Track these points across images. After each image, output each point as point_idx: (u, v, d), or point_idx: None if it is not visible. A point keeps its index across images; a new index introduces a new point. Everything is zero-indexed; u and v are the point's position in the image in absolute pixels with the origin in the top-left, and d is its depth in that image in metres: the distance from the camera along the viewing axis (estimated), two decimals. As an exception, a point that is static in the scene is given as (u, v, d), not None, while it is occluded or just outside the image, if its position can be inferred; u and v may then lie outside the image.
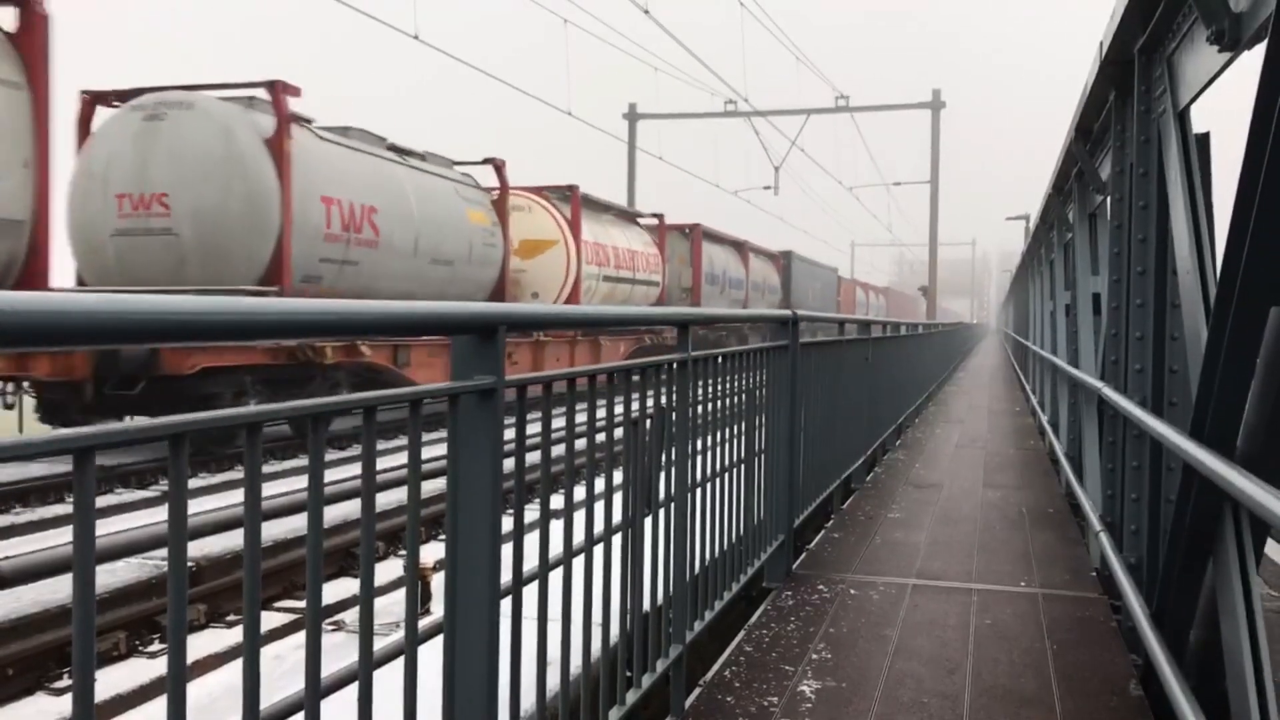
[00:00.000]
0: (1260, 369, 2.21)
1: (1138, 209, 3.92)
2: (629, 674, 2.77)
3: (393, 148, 14.38)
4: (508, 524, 1.99)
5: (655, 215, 23.57)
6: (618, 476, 2.68)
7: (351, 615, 5.23)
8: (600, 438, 2.76)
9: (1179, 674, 2.77)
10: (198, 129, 11.19)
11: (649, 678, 2.85)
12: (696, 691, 3.31)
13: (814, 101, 31.14)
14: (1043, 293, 10.91)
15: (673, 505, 3.11)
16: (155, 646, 5.73)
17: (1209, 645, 2.71)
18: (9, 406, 10.40)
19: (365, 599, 1.62)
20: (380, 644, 1.79)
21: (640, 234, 22.87)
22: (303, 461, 6.92)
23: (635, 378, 2.70)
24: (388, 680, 1.74)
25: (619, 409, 2.63)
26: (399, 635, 2.98)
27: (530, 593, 2.12)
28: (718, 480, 3.66)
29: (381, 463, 1.76)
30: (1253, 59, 2.27)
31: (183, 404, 10.07)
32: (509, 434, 1.98)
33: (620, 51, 22.78)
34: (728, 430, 3.79)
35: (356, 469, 2.11)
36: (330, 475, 7.54)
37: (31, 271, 9.60)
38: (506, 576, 2.00)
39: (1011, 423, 12.17)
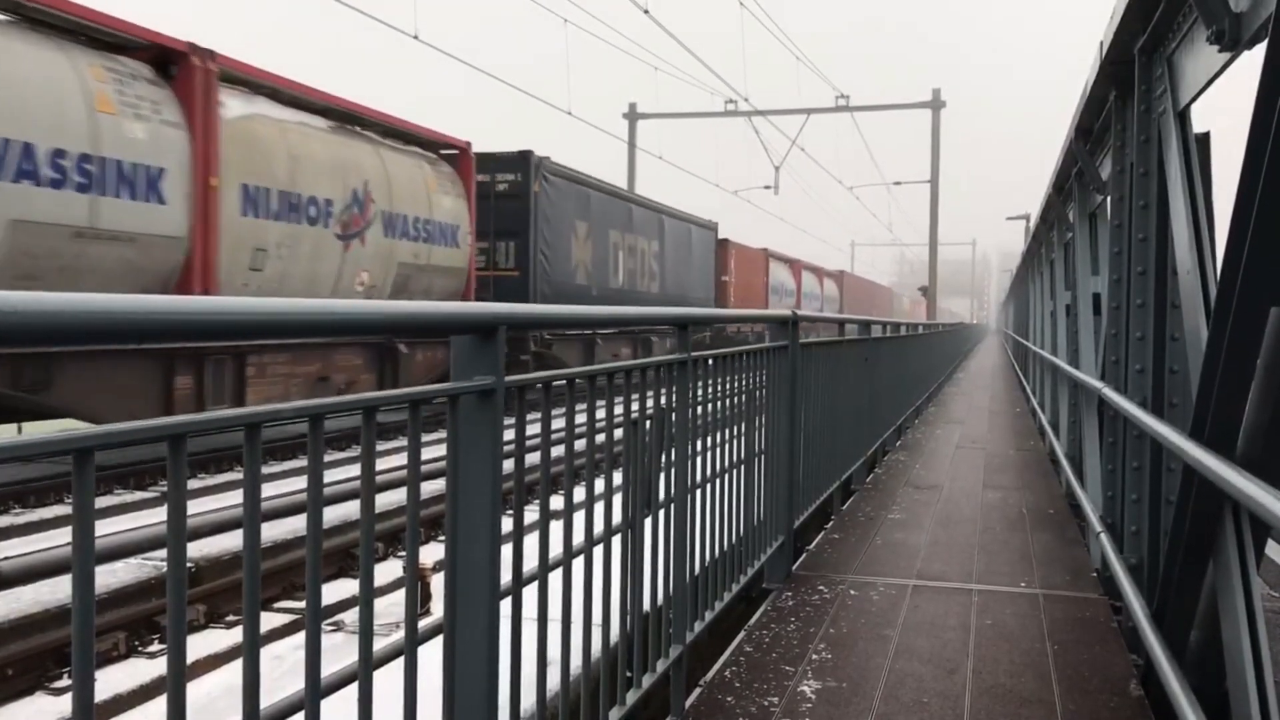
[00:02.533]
0: (1260, 370, 2.21)
1: (1138, 209, 3.92)
2: (629, 674, 2.76)
3: None
4: (508, 524, 1.99)
5: None
6: (618, 477, 2.68)
7: (351, 616, 5.24)
8: (600, 438, 2.76)
9: (1179, 674, 2.77)
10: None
11: (649, 678, 2.84)
12: (697, 692, 3.31)
13: (814, 101, 31.07)
14: (1043, 293, 10.92)
15: (672, 506, 3.11)
16: (155, 647, 5.73)
17: (1209, 645, 2.71)
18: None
19: (365, 599, 1.62)
20: (380, 644, 1.79)
21: None
22: (303, 462, 6.92)
23: (635, 378, 2.70)
24: (388, 680, 1.74)
25: (619, 409, 2.63)
26: (399, 635, 2.98)
27: (530, 593, 2.12)
28: (718, 481, 3.66)
29: (381, 463, 1.76)
30: (1253, 59, 2.27)
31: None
32: (509, 434, 1.98)
33: (620, 51, 22.75)
34: (728, 431, 3.79)
35: (356, 469, 2.11)
36: (330, 475, 7.55)
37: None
38: (506, 577, 1.99)
39: (1011, 423, 12.17)
